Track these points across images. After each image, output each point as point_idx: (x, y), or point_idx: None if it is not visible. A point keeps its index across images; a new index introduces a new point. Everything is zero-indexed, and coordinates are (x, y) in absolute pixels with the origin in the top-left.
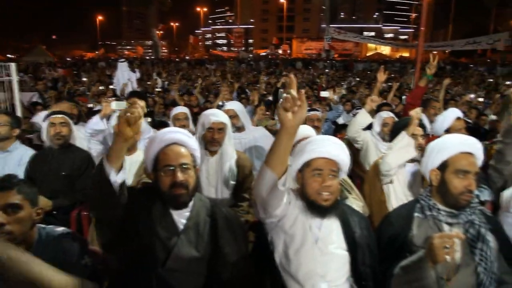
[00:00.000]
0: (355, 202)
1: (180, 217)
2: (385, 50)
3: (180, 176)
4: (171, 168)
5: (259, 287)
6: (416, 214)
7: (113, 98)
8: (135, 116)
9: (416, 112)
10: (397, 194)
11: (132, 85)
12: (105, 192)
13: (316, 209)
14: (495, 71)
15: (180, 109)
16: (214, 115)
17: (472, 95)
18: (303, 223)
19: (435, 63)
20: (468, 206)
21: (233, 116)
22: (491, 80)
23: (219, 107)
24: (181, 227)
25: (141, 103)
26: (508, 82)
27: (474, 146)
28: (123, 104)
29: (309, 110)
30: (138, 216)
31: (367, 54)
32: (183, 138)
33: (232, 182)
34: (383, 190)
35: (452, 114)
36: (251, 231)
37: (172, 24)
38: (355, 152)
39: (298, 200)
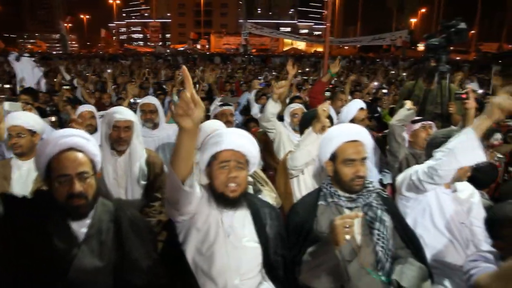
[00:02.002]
0: (269, 194)
1: (80, 226)
2: (301, 45)
3: (78, 186)
4: (68, 177)
5: None
6: (320, 202)
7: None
8: None
9: (322, 108)
10: (307, 185)
11: (40, 83)
12: None
13: (225, 201)
14: (398, 65)
15: (86, 107)
16: (119, 113)
17: (376, 83)
18: (216, 218)
19: (337, 63)
20: (362, 190)
21: (153, 111)
22: (393, 72)
23: (132, 104)
24: (82, 236)
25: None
26: (404, 74)
27: (358, 133)
28: (16, 105)
29: (221, 105)
30: (32, 229)
31: (284, 49)
32: (80, 142)
33: (143, 182)
34: (289, 183)
35: (355, 105)
36: (164, 231)
37: (82, 16)
38: (269, 143)
39: (209, 195)
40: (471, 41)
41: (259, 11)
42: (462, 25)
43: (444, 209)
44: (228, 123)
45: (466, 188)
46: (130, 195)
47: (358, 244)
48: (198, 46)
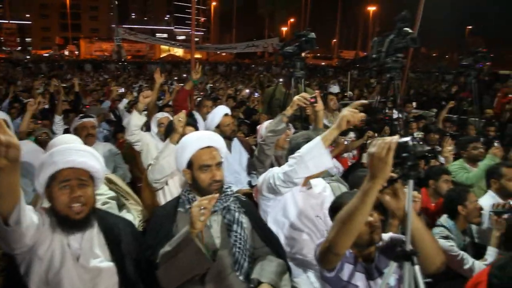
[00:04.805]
0: (133, 207)
1: None
2: (179, 51)
3: None
4: None
5: None
6: (179, 209)
7: None
8: None
9: (178, 119)
10: (173, 195)
11: None
12: None
13: (70, 224)
14: (271, 70)
15: None
16: None
17: (247, 90)
18: (60, 243)
19: (199, 70)
20: (220, 194)
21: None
22: (262, 75)
23: None
24: None
25: None
26: (282, 80)
27: (211, 139)
28: None
29: (82, 117)
30: None
31: (161, 56)
32: None
33: None
34: (155, 195)
35: (220, 111)
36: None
37: None
38: (137, 155)
39: (52, 219)
40: (334, 49)
41: (133, 16)
42: (312, 35)
43: (300, 205)
44: (90, 136)
45: (319, 183)
46: None
47: (217, 247)
48: (66, 52)
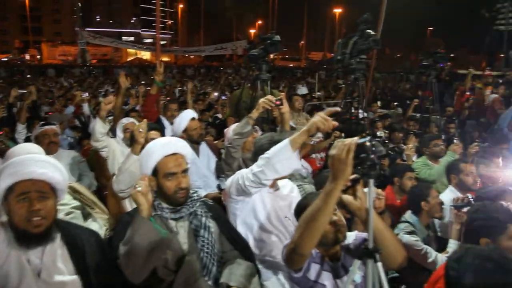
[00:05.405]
0: (99, 216)
1: None
2: (146, 55)
3: None
4: None
5: None
6: None
7: None
8: None
9: (138, 130)
10: None
11: None
12: None
13: (28, 239)
14: (240, 72)
15: None
16: None
17: (216, 93)
18: (18, 258)
19: (161, 70)
20: (187, 200)
21: None
22: (230, 77)
23: None
24: None
25: None
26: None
27: (177, 146)
28: None
29: (43, 124)
30: None
31: (128, 59)
32: None
33: None
34: (121, 203)
35: (187, 115)
36: None
37: None
38: (102, 162)
39: (8, 233)
40: (302, 50)
41: (98, 19)
42: (277, 38)
43: (268, 207)
44: (52, 144)
45: (286, 184)
46: None
47: (184, 253)
48: (27, 57)
